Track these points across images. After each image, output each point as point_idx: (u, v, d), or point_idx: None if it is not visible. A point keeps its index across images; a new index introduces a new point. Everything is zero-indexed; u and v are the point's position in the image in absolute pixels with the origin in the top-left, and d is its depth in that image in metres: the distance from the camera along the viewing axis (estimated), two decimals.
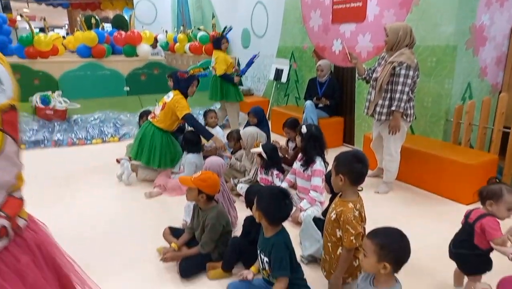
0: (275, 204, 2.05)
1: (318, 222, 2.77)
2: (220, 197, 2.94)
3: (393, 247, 1.62)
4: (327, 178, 2.72)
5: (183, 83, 4.12)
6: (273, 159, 3.52)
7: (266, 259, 2.08)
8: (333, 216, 2.13)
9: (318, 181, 3.26)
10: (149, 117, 4.27)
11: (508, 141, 3.58)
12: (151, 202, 3.75)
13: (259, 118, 4.55)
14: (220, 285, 2.43)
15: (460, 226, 2.21)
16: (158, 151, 4.10)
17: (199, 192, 2.52)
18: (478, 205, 2.16)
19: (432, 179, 3.78)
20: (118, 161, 4.98)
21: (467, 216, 2.16)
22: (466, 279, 2.25)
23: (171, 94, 4.15)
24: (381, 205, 3.56)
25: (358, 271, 2.17)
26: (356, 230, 2.02)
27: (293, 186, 3.54)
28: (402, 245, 1.63)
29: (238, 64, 6.06)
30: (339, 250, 2.14)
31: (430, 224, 3.18)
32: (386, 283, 1.68)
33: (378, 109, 3.63)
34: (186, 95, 4.16)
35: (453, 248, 2.20)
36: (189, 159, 3.88)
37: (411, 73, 3.41)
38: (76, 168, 4.75)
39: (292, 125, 4.08)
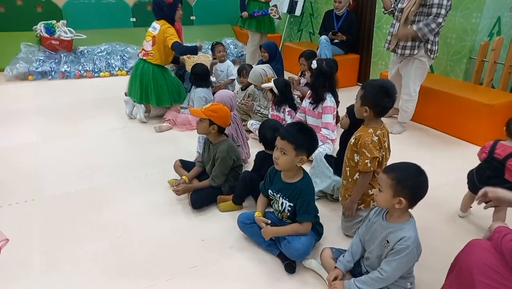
0: (311, 139, 1.95)
1: (330, 160, 2.74)
2: (233, 132, 2.88)
3: (410, 182, 1.57)
4: (349, 112, 2.60)
5: (168, 10, 3.79)
6: (285, 95, 3.40)
7: (289, 204, 2.00)
8: (352, 140, 2.12)
9: (329, 118, 3.18)
10: (139, 55, 3.98)
11: None
12: (161, 136, 3.73)
13: (271, 53, 4.34)
14: (230, 217, 2.46)
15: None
16: (166, 89, 3.95)
17: (210, 123, 2.46)
18: None
19: (450, 120, 3.66)
20: (126, 94, 4.90)
21: (491, 151, 2.14)
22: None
23: (156, 25, 3.82)
24: (394, 146, 3.46)
25: (371, 200, 2.19)
26: (371, 154, 2.00)
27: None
28: (420, 181, 1.58)
29: None
30: (356, 175, 2.15)
31: (445, 165, 3.12)
32: (399, 218, 1.66)
33: (401, 43, 3.40)
34: (173, 22, 3.86)
35: (480, 184, 2.18)
36: (198, 93, 3.78)
37: (445, 1, 3.13)
38: (85, 101, 4.70)
39: (309, 56, 3.89)
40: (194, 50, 3.91)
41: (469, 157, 3.18)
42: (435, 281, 1.77)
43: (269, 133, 2.47)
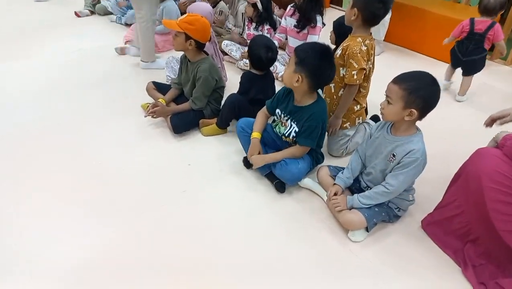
0: (324, 65, 1.70)
1: None
2: (213, 52, 2.61)
3: (423, 91, 1.47)
4: (335, 27, 2.44)
5: None
6: (268, 11, 3.11)
7: (296, 128, 1.85)
8: (339, 52, 1.99)
9: (316, 39, 2.96)
10: None
11: None
12: (125, 59, 3.35)
13: None
14: (215, 140, 2.31)
15: None
16: None
17: (186, 38, 2.18)
18: None
19: (427, 40, 3.58)
20: (77, 14, 4.33)
21: (471, 28, 2.66)
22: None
23: None
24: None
25: (357, 116, 2.15)
26: (359, 65, 1.90)
27: (283, 45, 3.24)
28: (433, 90, 1.48)
29: None
30: (341, 91, 2.06)
31: None
32: (407, 131, 1.59)
33: None
34: None
35: (464, 56, 2.76)
36: (169, 6, 3.32)
37: None
38: (30, 20, 4.11)
39: None
40: None
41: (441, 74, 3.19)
42: (433, 193, 1.78)
43: (263, 52, 2.24)
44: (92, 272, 1.49)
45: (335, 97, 2.11)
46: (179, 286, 1.45)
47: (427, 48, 3.61)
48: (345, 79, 1.98)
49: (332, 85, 2.11)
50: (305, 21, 2.92)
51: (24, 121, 2.41)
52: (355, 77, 1.93)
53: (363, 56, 1.92)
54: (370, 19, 1.90)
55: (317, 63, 1.67)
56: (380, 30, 3.59)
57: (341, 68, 2.01)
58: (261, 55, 2.22)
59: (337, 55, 2.00)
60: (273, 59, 2.29)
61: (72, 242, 1.61)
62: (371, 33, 1.98)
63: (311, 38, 2.93)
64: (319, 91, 2.31)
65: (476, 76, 2.83)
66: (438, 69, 3.35)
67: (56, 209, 1.77)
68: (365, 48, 1.93)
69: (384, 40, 3.68)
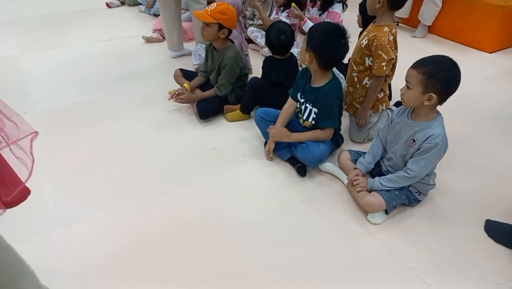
0: (330, 42, 1.73)
1: (340, 66, 2.61)
2: (239, 38, 2.67)
3: (443, 75, 1.46)
4: (361, 8, 2.44)
5: None
6: None
7: (314, 110, 1.89)
8: (365, 42, 2.00)
9: None
10: None
11: None
12: (153, 48, 3.47)
13: None
14: (239, 126, 2.39)
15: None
16: None
17: (220, 27, 2.24)
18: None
19: (457, 26, 3.46)
20: (108, 5, 4.49)
21: None
22: None
23: None
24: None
25: (380, 104, 2.16)
26: (388, 56, 1.92)
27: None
28: (453, 73, 1.48)
29: None
30: (366, 80, 2.07)
31: None
32: (427, 116, 1.60)
33: None
34: None
35: None
36: None
37: None
38: (61, 12, 4.31)
39: None
40: None
41: (475, 64, 3.11)
42: (454, 177, 1.79)
43: (275, 36, 2.29)
44: (118, 243, 1.60)
45: (358, 86, 2.12)
46: (201, 256, 1.55)
47: (456, 34, 3.49)
48: (374, 70, 1.98)
49: (355, 74, 2.12)
50: (324, 3, 2.94)
51: (62, 104, 2.58)
52: (384, 68, 1.95)
53: (391, 47, 1.93)
54: (396, 3, 1.90)
55: (323, 41, 1.72)
56: (431, 15, 3.55)
57: (366, 58, 2.02)
58: (272, 39, 2.27)
59: (363, 45, 2.01)
60: (286, 43, 2.32)
61: (101, 216, 1.73)
62: (395, 22, 1.98)
63: None
64: (343, 77, 2.36)
65: None
66: (463, 55, 3.28)
67: (86, 186, 1.90)
68: (392, 37, 1.93)
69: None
